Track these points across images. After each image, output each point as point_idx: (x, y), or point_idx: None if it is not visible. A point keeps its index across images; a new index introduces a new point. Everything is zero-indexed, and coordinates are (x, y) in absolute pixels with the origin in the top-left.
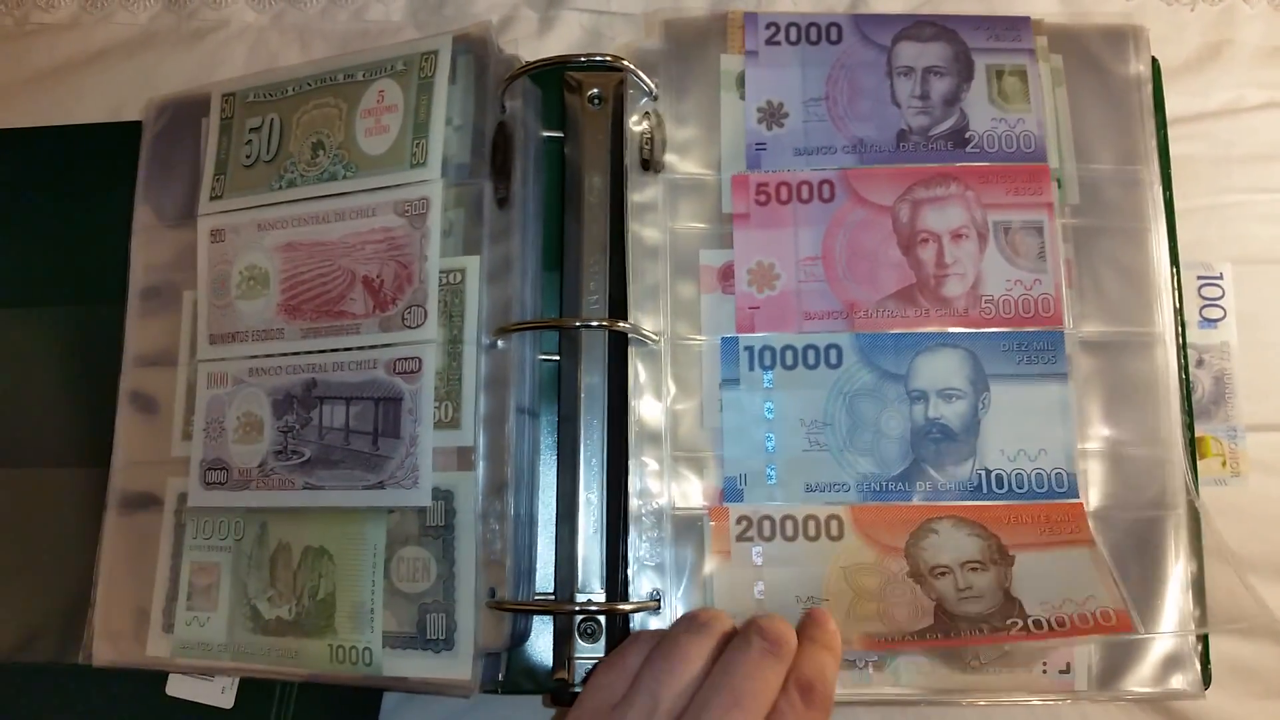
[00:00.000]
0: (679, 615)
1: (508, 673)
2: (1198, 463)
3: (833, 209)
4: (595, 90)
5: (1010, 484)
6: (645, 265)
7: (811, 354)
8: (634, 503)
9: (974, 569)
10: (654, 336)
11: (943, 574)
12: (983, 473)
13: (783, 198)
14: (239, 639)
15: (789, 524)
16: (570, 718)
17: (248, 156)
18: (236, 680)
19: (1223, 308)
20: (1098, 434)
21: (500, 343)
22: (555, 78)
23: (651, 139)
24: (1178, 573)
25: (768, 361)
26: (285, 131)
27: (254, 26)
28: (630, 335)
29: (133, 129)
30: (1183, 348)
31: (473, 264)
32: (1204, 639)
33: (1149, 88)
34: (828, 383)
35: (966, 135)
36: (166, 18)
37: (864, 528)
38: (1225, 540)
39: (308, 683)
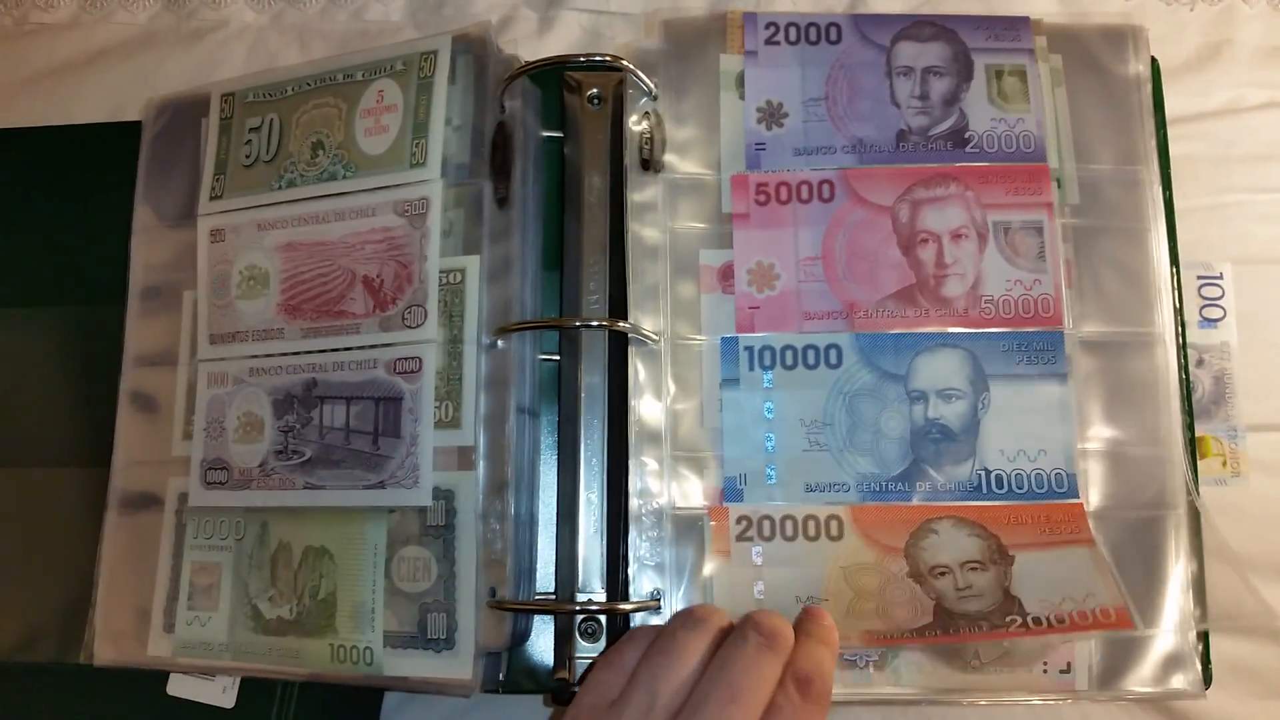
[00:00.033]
0: (688, 606)
1: (508, 672)
2: (1198, 463)
3: (832, 209)
4: (595, 90)
5: (1010, 484)
6: (645, 265)
7: (811, 354)
8: (634, 502)
9: (974, 568)
10: (654, 336)
11: (942, 574)
12: (982, 473)
13: (782, 198)
14: (240, 639)
15: (789, 524)
16: (568, 715)
17: (247, 156)
18: (237, 680)
19: (1223, 307)
20: (1098, 434)
21: (500, 342)
22: (555, 78)
23: (651, 139)
24: (1178, 572)
25: (768, 361)
26: (285, 131)
27: (253, 26)
28: (630, 335)
29: (132, 129)
30: (1183, 347)
31: (473, 264)
32: (1204, 639)
33: (1148, 87)
34: (827, 383)
35: (966, 135)
36: (166, 18)
37: (864, 528)
38: (1219, 540)
39: (309, 682)
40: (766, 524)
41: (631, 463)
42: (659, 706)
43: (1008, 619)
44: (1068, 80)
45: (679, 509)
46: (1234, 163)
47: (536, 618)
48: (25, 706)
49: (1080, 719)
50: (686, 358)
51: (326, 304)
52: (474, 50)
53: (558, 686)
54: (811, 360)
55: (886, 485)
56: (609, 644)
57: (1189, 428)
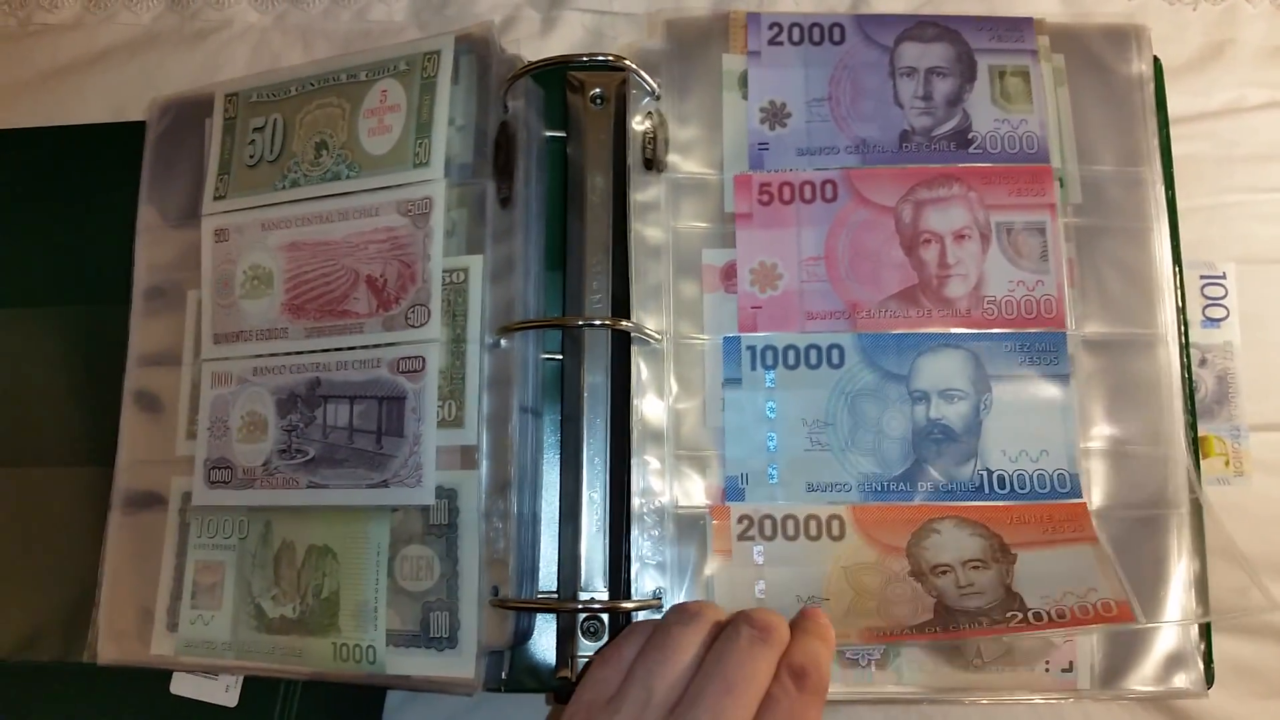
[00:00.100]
0: (682, 602)
1: (511, 671)
2: (1200, 463)
3: (835, 209)
4: (597, 90)
5: (1012, 484)
6: (648, 264)
7: (813, 354)
8: (636, 501)
9: (975, 567)
10: (656, 336)
11: (944, 572)
12: (984, 473)
13: (785, 198)
14: (243, 637)
15: (790, 523)
16: (566, 713)
17: (251, 156)
18: (240, 679)
19: (1226, 307)
20: (1100, 433)
21: (503, 342)
22: (558, 77)
23: (654, 138)
24: (1180, 571)
25: (770, 361)
26: (288, 131)
27: (257, 27)
28: (633, 334)
29: (136, 129)
30: (1185, 347)
31: (476, 263)
32: (1207, 638)
33: (1151, 87)
34: (830, 383)
35: (969, 136)
36: (169, 18)
37: (865, 528)
38: (1224, 535)
39: (311, 681)
40: (768, 523)
41: (634, 462)
42: (655, 702)
43: (1008, 615)
44: (1070, 80)
45: (681, 508)
46: (1236, 162)
47: (539, 616)
48: (28, 705)
49: (1082, 718)
50: (689, 357)
51: (330, 303)
52: (477, 50)
53: (560, 685)
54: (814, 360)
55: (888, 485)
56: (611, 641)
57: (1191, 427)
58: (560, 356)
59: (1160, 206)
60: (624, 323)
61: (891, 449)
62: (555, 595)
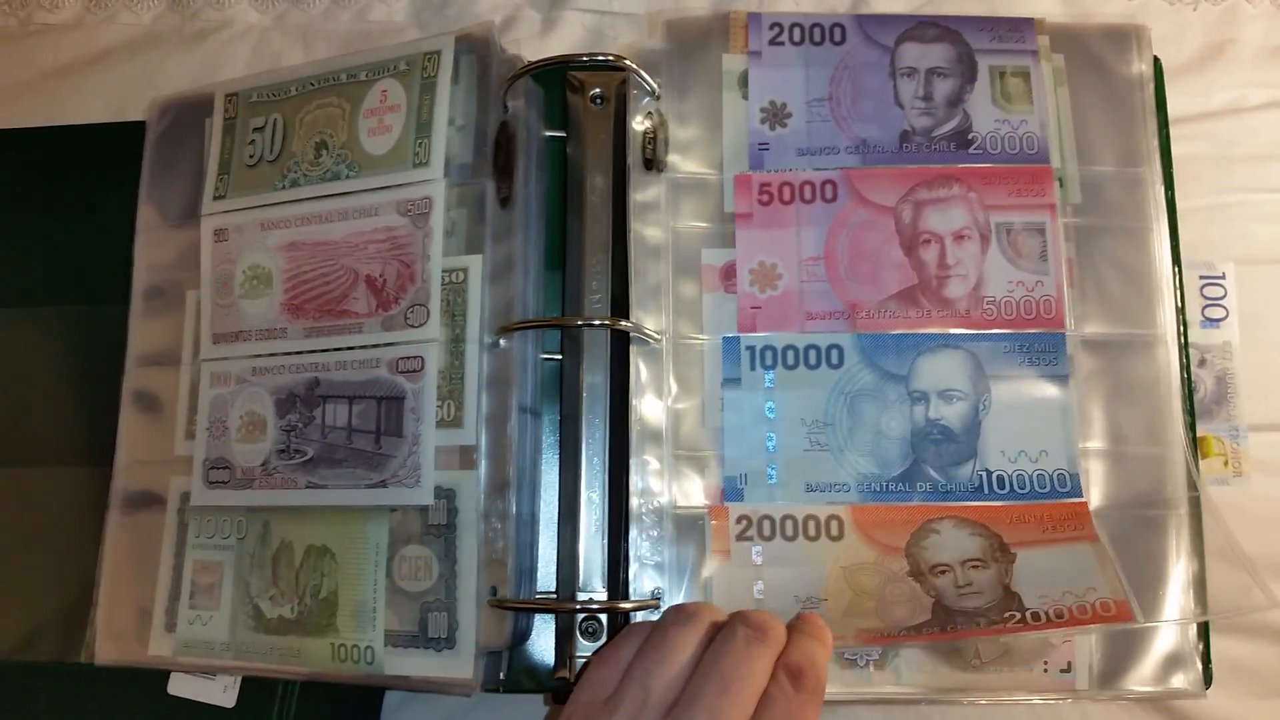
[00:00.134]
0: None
1: (509, 671)
2: (1199, 463)
3: (835, 209)
4: (597, 90)
5: (1012, 484)
6: (647, 264)
7: (813, 354)
8: (635, 501)
9: (975, 566)
10: (656, 336)
11: (943, 572)
12: (984, 473)
13: (785, 198)
14: (241, 638)
15: (789, 524)
16: (564, 713)
17: (251, 156)
18: (238, 679)
19: (1225, 307)
20: (1099, 433)
21: (502, 342)
22: (558, 77)
23: (654, 138)
24: (1179, 571)
25: (769, 361)
26: (288, 131)
27: (257, 27)
28: (632, 334)
29: (136, 129)
30: (1185, 347)
31: (475, 263)
32: (1205, 638)
33: (1151, 87)
34: (829, 383)
35: (969, 136)
36: (170, 18)
37: (864, 528)
38: (1225, 534)
39: (309, 682)
40: (766, 524)
41: (633, 462)
42: (652, 702)
43: (1006, 615)
44: (1070, 80)
45: (680, 508)
46: (1236, 162)
47: (537, 617)
48: (26, 706)
49: (1081, 718)
50: (688, 357)
51: (329, 303)
52: (477, 50)
53: (558, 686)
54: (813, 360)
55: (887, 486)
56: (609, 642)
57: (1190, 428)
58: (559, 356)
59: (1160, 207)
60: (623, 323)
61: (890, 449)
62: (554, 595)
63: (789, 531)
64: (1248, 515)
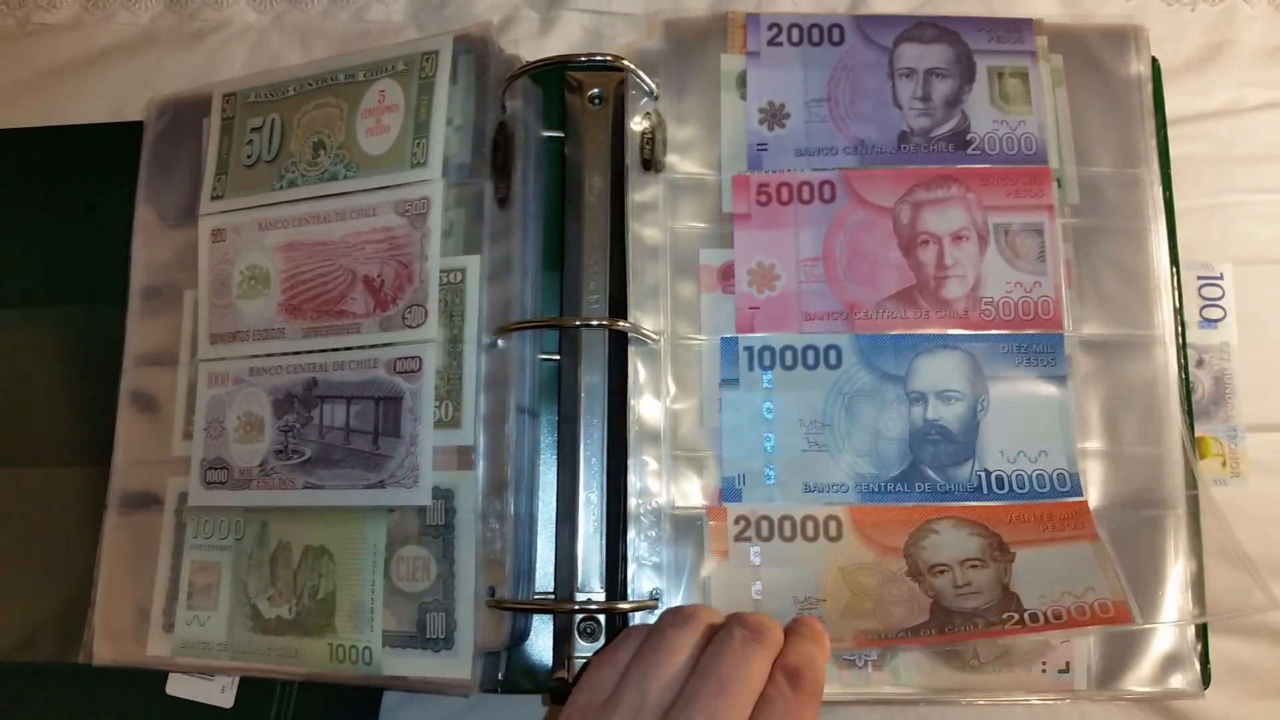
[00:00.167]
0: (676, 605)
1: (507, 672)
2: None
3: (833, 210)
4: (596, 90)
5: (1011, 485)
6: (645, 265)
7: (811, 354)
8: (633, 502)
9: (973, 566)
10: (654, 336)
11: (941, 571)
12: (982, 474)
13: (783, 198)
14: (239, 638)
15: (787, 524)
16: (563, 715)
17: (249, 156)
18: (236, 680)
19: (1223, 308)
20: (1097, 434)
21: (500, 342)
22: (556, 78)
23: (652, 139)
24: (1177, 572)
25: (767, 362)
26: (286, 131)
27: (255, 27)
28: (630, 335)
29: (134, 129)
30: (1183, 348)
31: (473, 263)
32: (1203, 639)
33: (1149, 88)
34: (827, 383)
35: (968, 137)
36: (168, 18)
37: (863, 528)
38: (1227, 533)
39: (308, 682)
40: (765, 524)
41: (631, 462)
42: (649, 703)
43: (1004, 616)
44: (1068, 80)
45: (678, 509)
46: (1234, 163)
47: (535, 617)
48: (25, 706)
49: (1079, 718)
50: (686, 357)
51: (327, 304)
52: (475, 50)
53: (556, 686)
54: (811, 361)
55: (885, 486)
56: (608, 644)
57: (1189, 428)
58: (558, 357)
59: (1158, 207)
60: (621, 323)
61: (889, 450)
62: (552, 596)
63: (787, 532)
64: (1246, 515)
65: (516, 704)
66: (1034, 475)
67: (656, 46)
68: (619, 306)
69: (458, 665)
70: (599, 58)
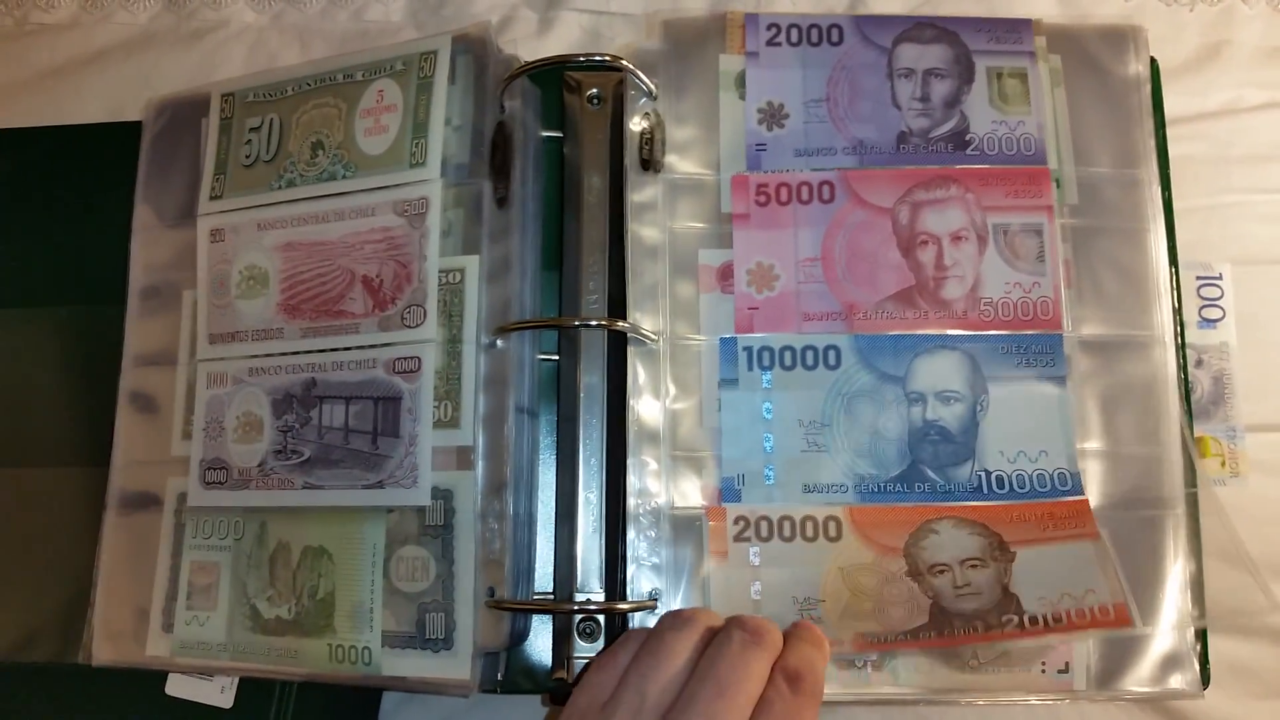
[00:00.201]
0: (675, 608)
1: (507, 672)
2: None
3: (832, 210)
4: (594, 90)
5: (1011, 484)
6: (644, 265)
7: (810, 355)
8: (632, 502)
9: (974, 566)
10: (653, 336)
11: (941, 571)
12: (983, 474)
13: (782, 198)
14: (238, 638)
15: (786, 524)
16: (562, 718)
17: (247, 156)
18: (236, 680)
19: (1222, 308)
20: (1096, 434)
21: (499, 342)
22: (554, 78)
23: (651, 139)
24: (1176, 572)
25: (766, 362)
26: (285, 131)
27: (253, 27)
28: (629, 335)
29: (132, 129)
30: (1182, 348)
31: (472, 263)
32: (1203, 639)
33: (1148, 88)
34: (826, 384)
35: (967, 137)
36: (166, 18)
37: (862, 528)
38: (1226, 535)
39: (307, 682)
40: (764, 524)
41: (630, 462)
42: (648, 706)
43: (1004, 618)
44: (1067, 80)
45: (677, 509)
46: (1233, 163)
47: (535, 618)
48: (24, 706)
49: (1079, 718)
50: (685, 358)
51: (326, 304)
52: (474, 50)
53: (556, 686)
54: (810, 361)
55: (885, 486)
56: (607, 644)
57: (1188, 428)
58: (556, 357)
59: (1157, 207)
60: (620, 323)
61: (888, 450)
62: (551, 596)
63: (787, 532)
64: (1245, 515)
65: (516, 704)
66: (1035, 475)
67: (655, 46)
68: (618, 307)
69: (457, 665)
70: (598, 58)
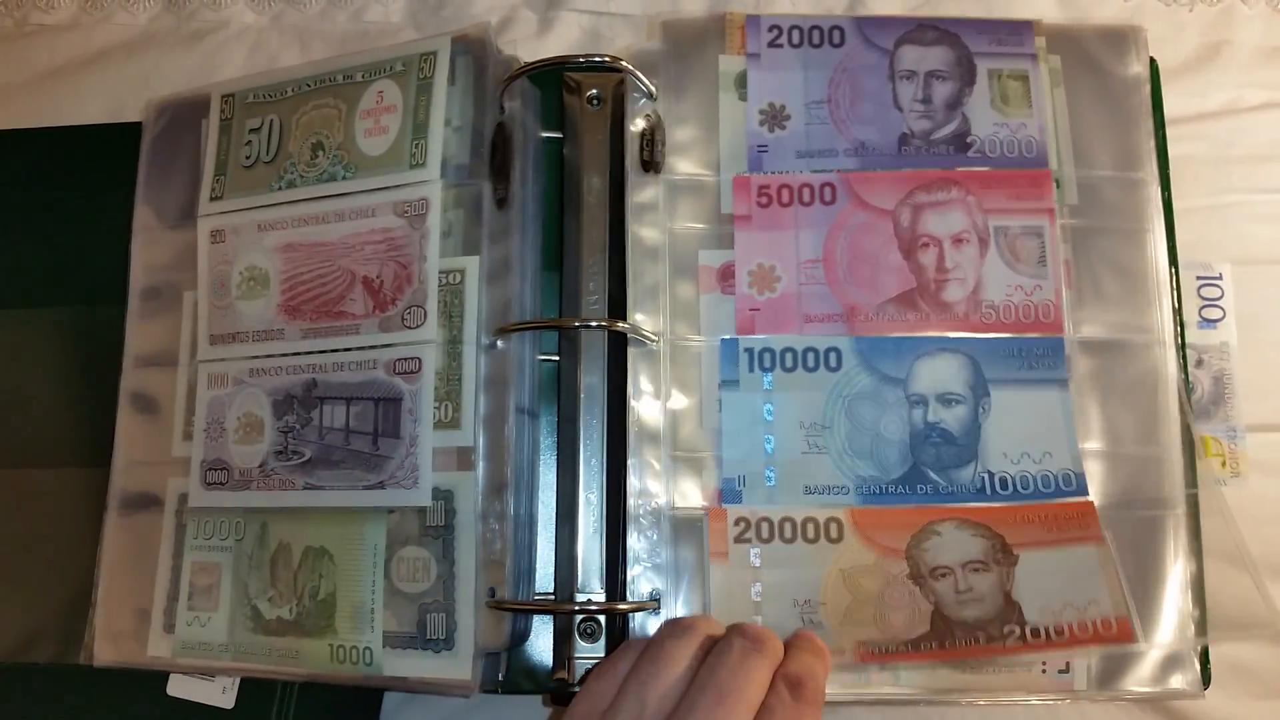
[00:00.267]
0: (676, 616)
1: (508, 672)
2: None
3: (834, 212)
4: (594, 91)
5: (1015, 486)
6: (644, 265)
7: (811, 356)
8: (633, 503)
9: (976, 569)
10: (653, 337)
11: (943, 575)
12: (986, 475)
13: (784, 200)
14: (240, 639)
15: (787, 526)
16: None
17: (247, 157)
18: (237, 680)
19: (1222, 308)
20: (1096, 434)
21: (500, 343)
22: (554, 78)
23: (651, 139)
24: (1176, 573)
25: (767, 363)
26: (285, 132)
27: (253, 27)
28: (630, 335)
29: (133, 130)
30: (1182, 348)
31: (472, 264)
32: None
33: (1148, 88)
34: (827, 385)
35: (968, 140)
36: (166, 19)
37: (864, 529)
38: (1228, 540)
39: (308, 683)
40: (765, 526)
41: (631, 463)
42: (649, 713)
43: (1005, 629)
44: (1066, 81)
45: (678, 510)
46: (1233, 163)
47: (536, 618)
48: (25, 707)
49: (1079, 718)
50: (686, 358)
51: (326, 304)
52: (473, 51)
53: (557, 687)
54: (811, 363)
55: (886, 488)
56: (608, 644)
57: (1188, 428)
58: (557, 357)
59: (1157, 207)
60: (620, 324)
61: (889, 452)
62: (552, 597)
63: (787, 534)
64: (1246, 516)
65: (516, 705)
66: (1039, 476)
67: (655, 47)
68: (618, 307)
69: (458, 666)
70: (597, 58)
